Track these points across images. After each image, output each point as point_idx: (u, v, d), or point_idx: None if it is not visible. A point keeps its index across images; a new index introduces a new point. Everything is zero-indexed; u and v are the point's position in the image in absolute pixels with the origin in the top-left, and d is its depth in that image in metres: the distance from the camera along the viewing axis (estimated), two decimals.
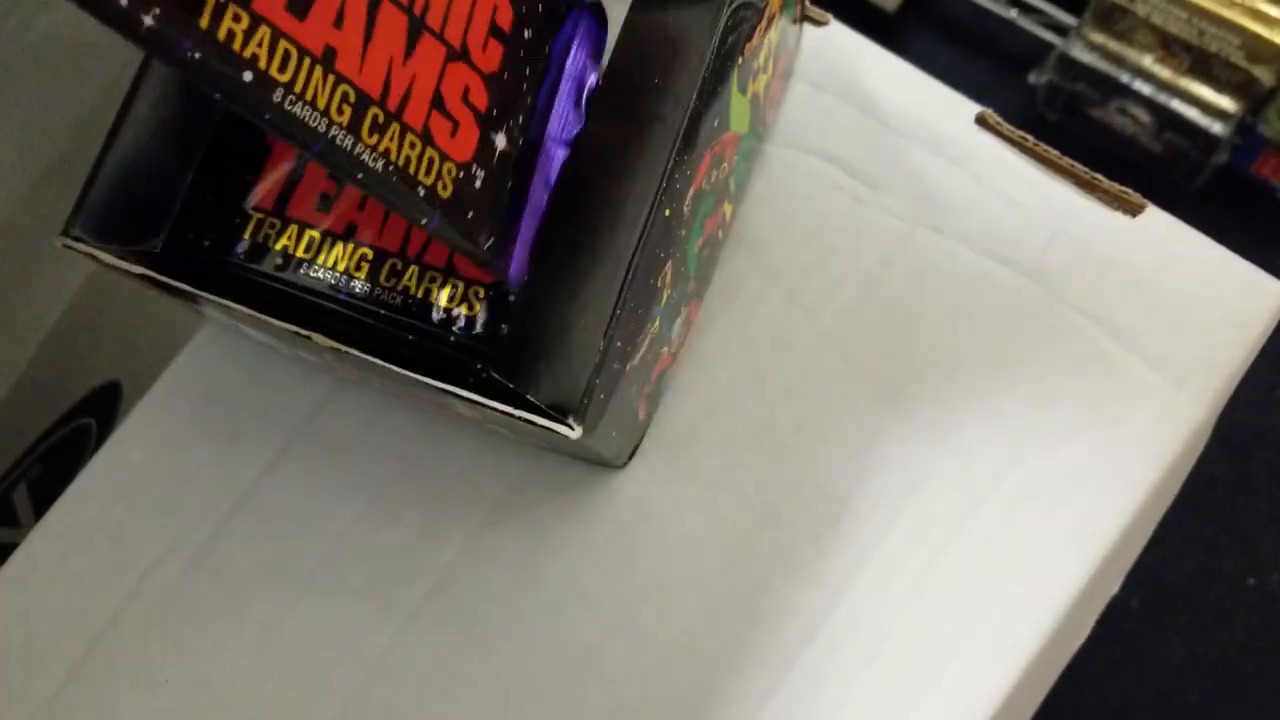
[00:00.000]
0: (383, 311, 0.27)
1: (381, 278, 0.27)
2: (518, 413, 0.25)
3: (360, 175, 0.22)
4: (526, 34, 0.26)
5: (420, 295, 0.27)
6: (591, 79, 0.27)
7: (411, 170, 0.24)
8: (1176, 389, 0.30)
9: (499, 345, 0.26)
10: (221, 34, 0.19)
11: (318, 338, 0.26)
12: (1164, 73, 0.78)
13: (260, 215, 0.28)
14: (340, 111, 0.22)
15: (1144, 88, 0.79)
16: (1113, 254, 0.30)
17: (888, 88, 0.33)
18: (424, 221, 0.25)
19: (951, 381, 0.30)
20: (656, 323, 0.28)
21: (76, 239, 0.27)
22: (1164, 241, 0.31)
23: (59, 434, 0.48)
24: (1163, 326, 0.30)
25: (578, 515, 0.31)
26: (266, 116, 0.21)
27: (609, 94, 0.26)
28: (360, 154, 0.22)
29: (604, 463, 0.31)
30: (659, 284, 0.27)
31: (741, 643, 0.29)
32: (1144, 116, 0.81)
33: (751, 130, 0.30)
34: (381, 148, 0.23)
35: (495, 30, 0.25)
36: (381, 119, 0.23)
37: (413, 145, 0.24)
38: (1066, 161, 0.31)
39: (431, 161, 0.24)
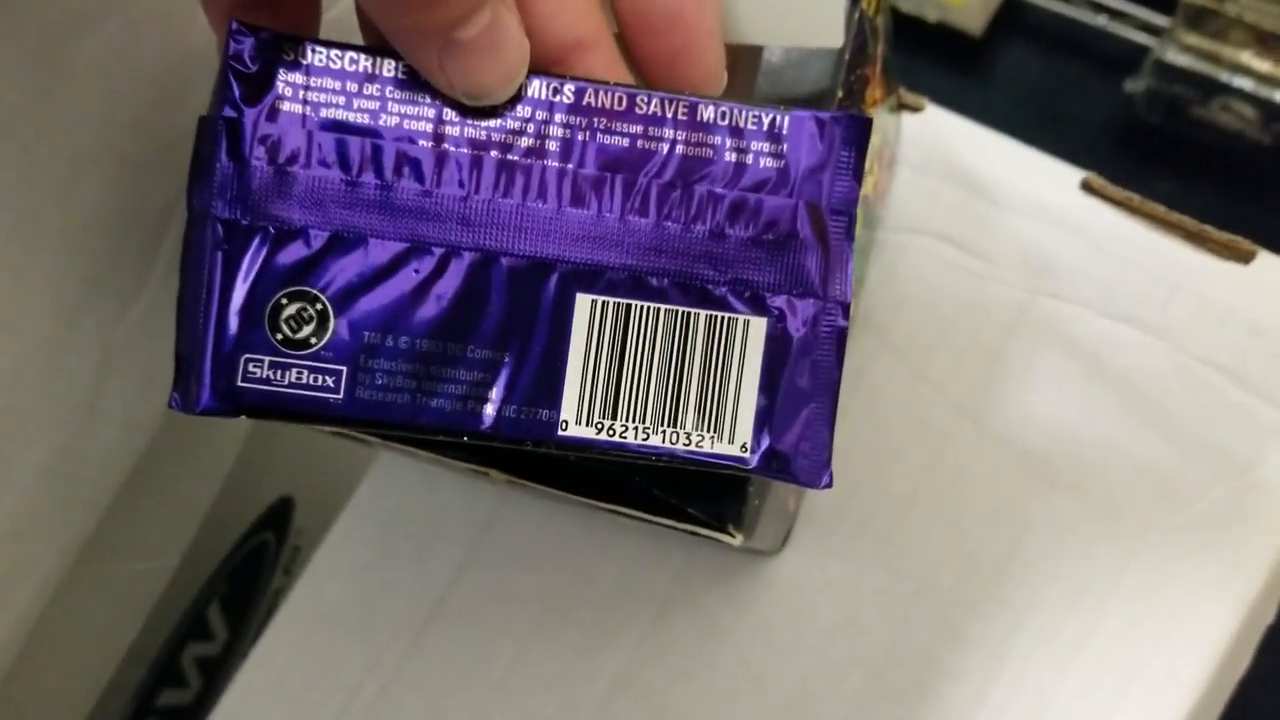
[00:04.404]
0: None
1: None
2: (681, 525, 0.28)
3: None
4: None
5: None
6: None
7: None
8: None
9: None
10: None
11: (495, 474, 0.29)
12: (1263, 66, 0.78)
13: None
14: None
15: (1245, 83, 0.78)
16: (1231, 303, 0.31)
17: (989, 162, 0.34)
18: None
19: (1089, 440, 0.32)
20: None
21: None
22: (1278, 286, 0.31)
23: (242, 551, 0.52)
24: None
25: (741, 601, 0.33)
26: None
27: None
28: None
29: (760, 552, 0.33)
30: None
31: (911, 714, 0.31)
32: (1249, 112, 0.80)
33: (865, 226, 0.32)
34: None
35: None
36: None
37: None
38: (1175, 217, 0.32)
39: None
